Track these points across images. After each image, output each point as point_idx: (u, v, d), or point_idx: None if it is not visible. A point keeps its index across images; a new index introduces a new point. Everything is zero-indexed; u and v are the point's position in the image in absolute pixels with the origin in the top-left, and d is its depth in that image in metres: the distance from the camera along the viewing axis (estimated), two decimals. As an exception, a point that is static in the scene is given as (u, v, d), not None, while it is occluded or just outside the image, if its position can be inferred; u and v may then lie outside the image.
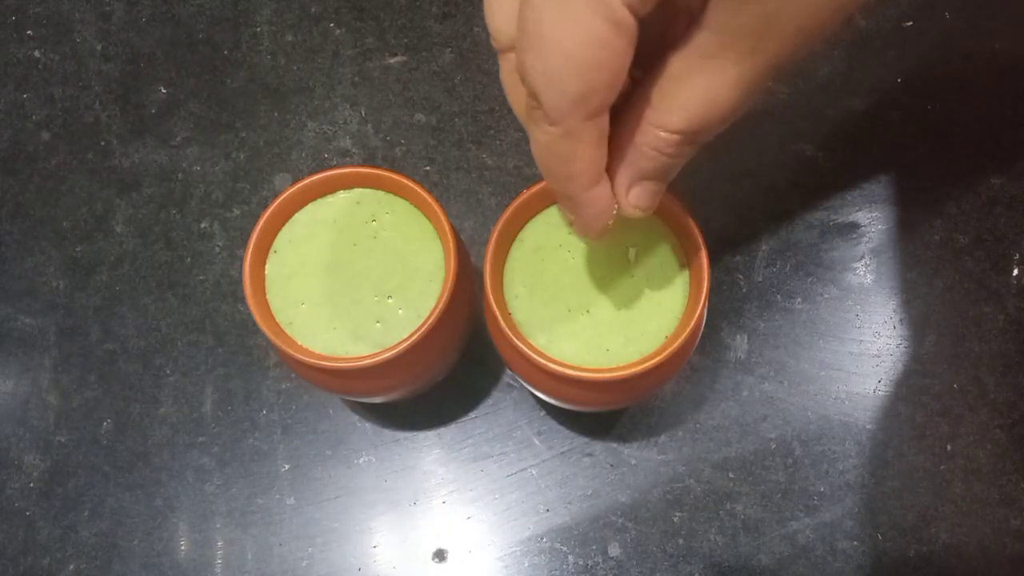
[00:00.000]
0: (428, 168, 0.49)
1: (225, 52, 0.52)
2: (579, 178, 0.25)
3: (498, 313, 0.33)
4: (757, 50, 0.21)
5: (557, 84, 0.22)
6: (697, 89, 0.23)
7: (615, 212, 0.27)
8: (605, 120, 0.24)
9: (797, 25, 0.21)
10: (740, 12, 0.21)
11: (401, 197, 0.37)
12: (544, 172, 0.26)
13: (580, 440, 0.44)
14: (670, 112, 0.23)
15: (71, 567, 0.43)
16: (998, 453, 0.42)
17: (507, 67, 0.27)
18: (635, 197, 0.27)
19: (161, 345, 0.46)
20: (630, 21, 0.21)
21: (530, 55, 0.22)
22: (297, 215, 0.37)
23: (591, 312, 0.35)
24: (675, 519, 0.42)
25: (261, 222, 0.36)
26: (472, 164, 0.49)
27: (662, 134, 0.24)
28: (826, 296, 0.46)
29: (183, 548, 0.43)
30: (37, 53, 0.53)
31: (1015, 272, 0.45)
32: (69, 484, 0.44)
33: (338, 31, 0.53)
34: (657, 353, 0.32)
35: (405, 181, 0.36)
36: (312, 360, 0.34)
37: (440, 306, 0.34)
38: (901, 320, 0.45)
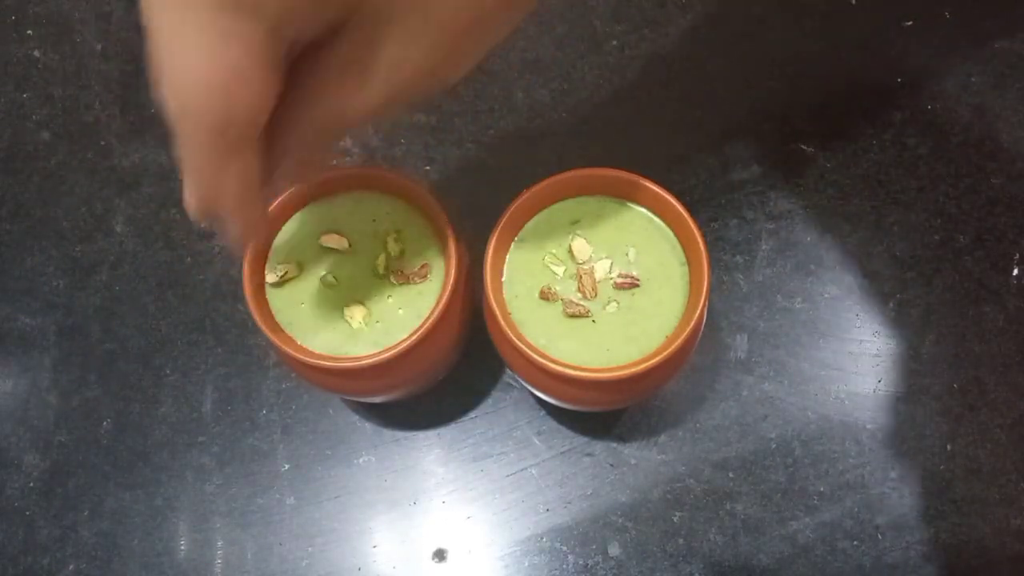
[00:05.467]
0: (428, 168, 0.49)
1: (225, 52, 0.52)
2: (226, 206, 0.25)
3: (498, 313, 0.33)
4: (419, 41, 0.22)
5: (192, 116, 0.21)
6: (385, 62, 0.23)
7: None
8: (249, 159, 0.23)
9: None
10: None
11: (401, 197, 0.37)
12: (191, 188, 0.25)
13: (580, 440, 0.44)
14: (366, 85, 0.24)
15: (71, 567, 0.43)
16: (998, 453, 0.42)
17: None
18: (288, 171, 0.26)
19: (161, 345, 0.46)
20: (267, 51, 0.20)
21: (164, 86, 0.21)
22: (297, 215, 0.37)
23: (591, 312, 0.35)
24: (675, 519, 0.42)
25: (261, 222, 0.36)
26: (472, 164, 0.49)
27: (351, 110, 0.24)
28: (826, 296, 0.45)
29: (183, 548, 0.43)
30: (37, 53, 0.53)
31: (1015, 272, 0.45)
32: (69, 484, 0.44)
33: (338, 31, 0.53)
34: (657, 353, 0.32)
35: (405, 181, 0.36)
36: (312, 360, 0.34)
37: (440, 306, 0.34)
38: (901, 320, 0.45)
